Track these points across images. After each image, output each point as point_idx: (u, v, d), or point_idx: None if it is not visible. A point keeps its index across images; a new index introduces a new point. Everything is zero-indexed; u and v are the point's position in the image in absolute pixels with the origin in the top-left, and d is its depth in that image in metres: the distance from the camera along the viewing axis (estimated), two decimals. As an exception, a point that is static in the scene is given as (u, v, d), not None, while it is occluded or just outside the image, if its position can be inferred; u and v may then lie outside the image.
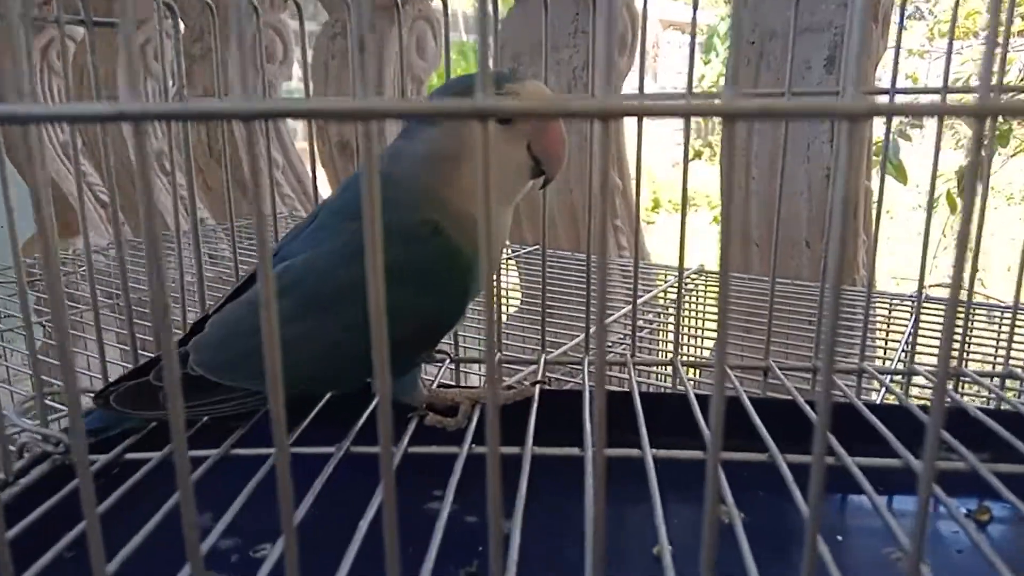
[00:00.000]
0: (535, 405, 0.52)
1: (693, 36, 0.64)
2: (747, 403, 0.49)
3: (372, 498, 0.37)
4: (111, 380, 0.53)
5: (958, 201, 3.51)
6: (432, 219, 0.48)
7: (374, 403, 0.53)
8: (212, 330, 0.50)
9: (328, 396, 0.55)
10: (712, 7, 5.53)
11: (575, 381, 0.76)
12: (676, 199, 5.99)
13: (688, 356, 1.08)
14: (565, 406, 0.51)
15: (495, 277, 0.59)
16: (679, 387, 0.61)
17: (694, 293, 1.20)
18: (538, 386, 0.55)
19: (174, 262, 0.66)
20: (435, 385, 0.60)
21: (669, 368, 0.62)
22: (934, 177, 0.69)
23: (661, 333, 1.20)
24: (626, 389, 0.54)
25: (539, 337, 0.66)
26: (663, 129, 7.08)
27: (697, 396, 0.52)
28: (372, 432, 0.52)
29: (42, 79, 1.79)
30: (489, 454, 0.25)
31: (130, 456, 0.48)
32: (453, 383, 0.66)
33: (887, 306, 1.13)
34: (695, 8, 0.61)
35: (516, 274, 1.41)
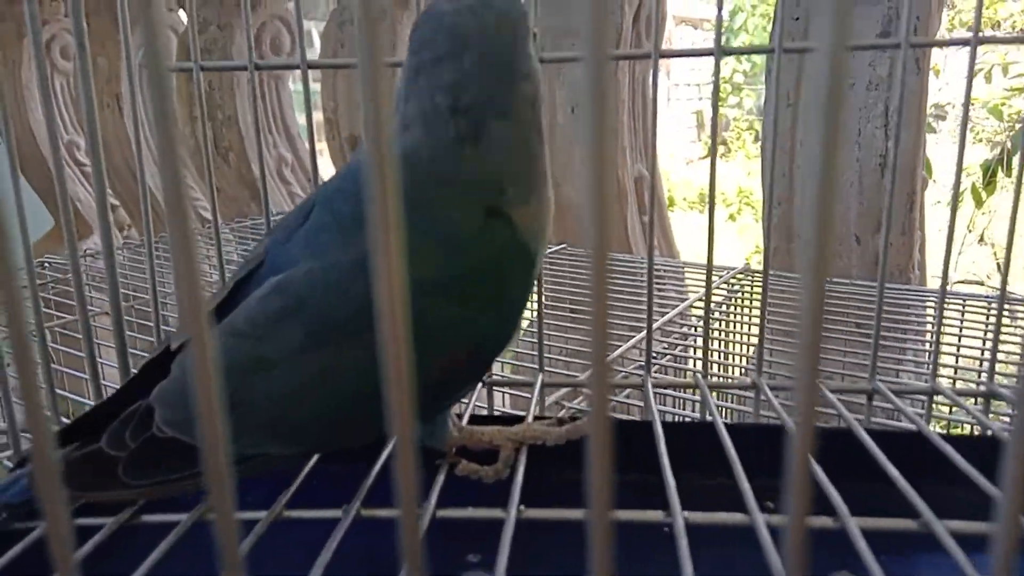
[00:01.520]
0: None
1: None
2: (863, 436, 0.39)
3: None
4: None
5: (983, 195, 3.40)
6: (489, 200, 0.36)
7: (388, 448, 0.44)
8: (180, 373, 0.36)
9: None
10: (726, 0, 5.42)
11: (631, 402, 0.66)
12: (691, 197, 5.89)
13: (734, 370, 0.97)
14: (632, 441, 0.41)
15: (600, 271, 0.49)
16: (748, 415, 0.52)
17: (740, 296, 1.10)
18: None
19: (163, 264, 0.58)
20: (467, 418, 0.48)
21: (750, 391, 0.51)
22: (959, 169, 0.59)
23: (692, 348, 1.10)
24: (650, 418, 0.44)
25: (565, 347, 0.56)
26: (677, 128, 6.98)
27: (762, 428, 0.42)
28: (388, 487, 0.41)
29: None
30: (594, 531, 0.17)
31: (81, 522, 0.37)
32: (484, 407, 0.55)
33: (958, 308, 1.03)
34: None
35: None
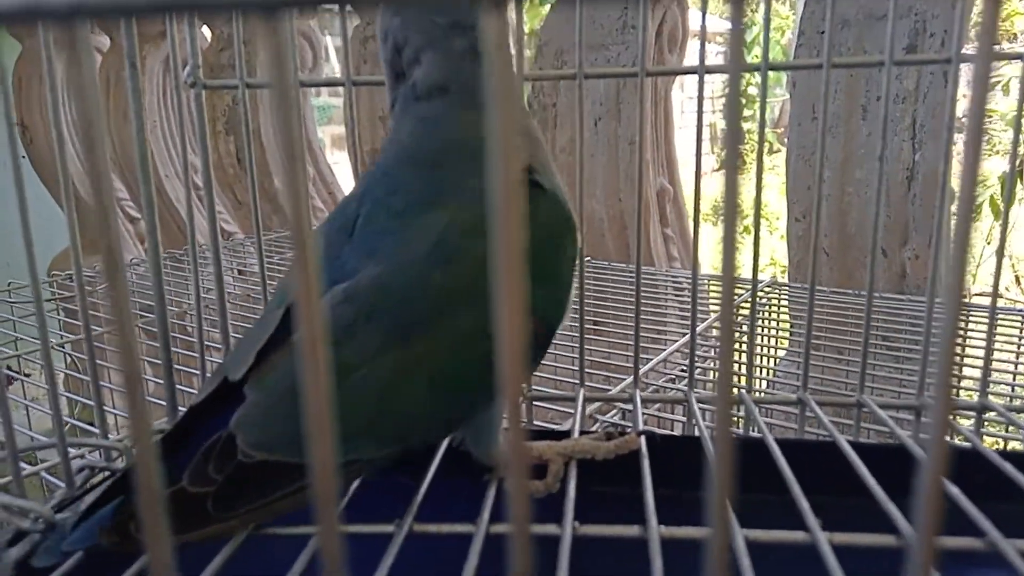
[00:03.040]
0: (646, 461, 0.40)
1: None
2: (918, 452, 0.39)
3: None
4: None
5: (1001, 207, 3.37)
6: (532, 171, 0.38)
7: (439, 455, 0.44)
8: (263, 396, 0.36)
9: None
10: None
11: (674, 418, 0.65)
12: (706, 209, 5.87)
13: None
14: (681, 457, 0.41)
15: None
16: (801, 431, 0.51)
17: (767, 309, 1.09)
18: (643, 436, 0.43)
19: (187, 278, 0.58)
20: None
21: (795, 407, 0.50)
22: (975, 178, 0.59)
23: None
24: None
25: (590, 359, 0.56)
26: (691, 141, 6.97)
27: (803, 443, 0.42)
28: (440, 498, 0.40)
29: (68, 89, 1.75)
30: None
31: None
32: (524, 422, 0.55)
33: (982, 321, 1.01)
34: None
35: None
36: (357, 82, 0.50)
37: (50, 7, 0.13)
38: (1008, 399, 0.92)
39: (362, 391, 0.35)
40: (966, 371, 0.89)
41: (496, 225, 0.14)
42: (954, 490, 0.36)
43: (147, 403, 0.15)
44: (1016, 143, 0.47)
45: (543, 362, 1.19)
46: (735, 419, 0.67)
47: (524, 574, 0.16)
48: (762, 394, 0.97)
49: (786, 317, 1.10)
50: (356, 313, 0.35)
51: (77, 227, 0.43)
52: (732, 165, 0.15)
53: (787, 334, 1.10)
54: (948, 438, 0.19)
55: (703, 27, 0.47)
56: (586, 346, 0.48)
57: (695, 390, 0.52)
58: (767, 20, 0.44)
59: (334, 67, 2.35)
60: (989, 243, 3.65)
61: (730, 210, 0.15)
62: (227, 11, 0.14)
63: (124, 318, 0.15)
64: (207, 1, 0.13)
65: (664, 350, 0.88)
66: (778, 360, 1.12)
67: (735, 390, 0.96)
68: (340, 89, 0.55)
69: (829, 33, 0.47)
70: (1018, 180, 3.34)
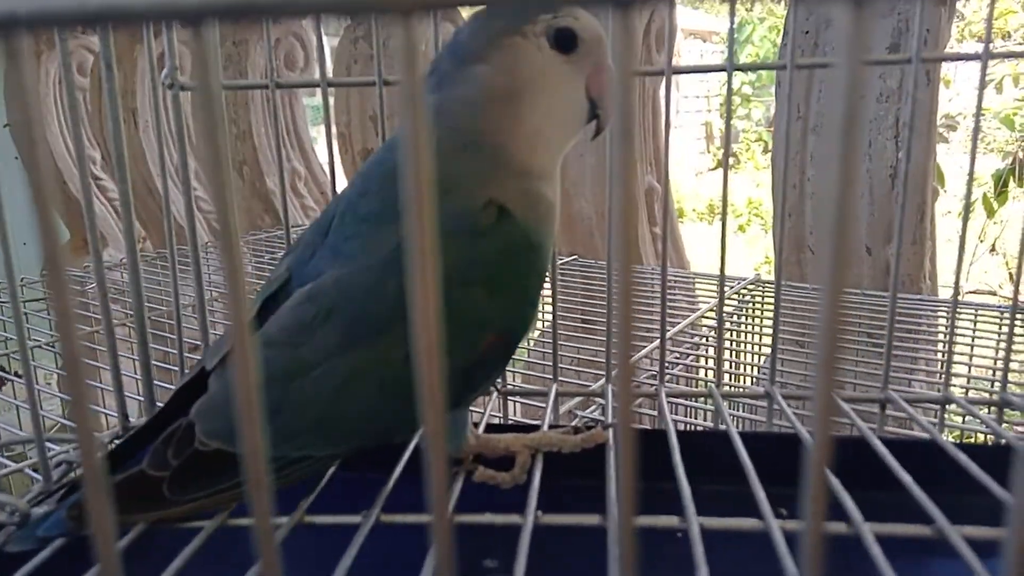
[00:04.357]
0: (611, 454, 0.41)
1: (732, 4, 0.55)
2: (877, 445, 0.40)
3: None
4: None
5: (994, 204, 3.38)
6: (495, 198, 0.38)
7: (407, 452, 0.45)
8: (221, 386, 0.38)
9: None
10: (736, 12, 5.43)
11: (643, 412, 0.66)
12: (700, 208, 5.89)
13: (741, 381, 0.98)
14: (646, 450, 0.41)
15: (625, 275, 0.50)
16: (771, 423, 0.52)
17: (750, 306, 1.10)
18: (610, 430, 0.44)
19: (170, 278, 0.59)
20: (483, 425, 0.49)
21: (763, 400, 0.51)
22: (971, 178, 0.60)
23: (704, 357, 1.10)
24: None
25: (577, 356, 0.57)
26: (685, 139, 6.99)
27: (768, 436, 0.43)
28: (407, 492, 0.40)
29: (58, 91, 1.75)
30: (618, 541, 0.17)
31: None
32: (499, 416, 0.56)
33: (970, 318, 1.03)
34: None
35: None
36: (332, 83, 0.51)
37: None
38: (988, 395, 0.93)
39: (316, 390, 0.36)
40: (955, 368, 0.90)
41: (411, 234, 0.15)
42: (907, 479, 0.36)
43: (86, 388, 0.16)
44: (974, 135, 0.48)
45: (532, 360, 1.20)
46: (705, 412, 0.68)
47: (444, 557, 0.17)
48: (744, 389, 0.99)
49: (771, 314, 1.11)
50: (315, 313, 0.36)
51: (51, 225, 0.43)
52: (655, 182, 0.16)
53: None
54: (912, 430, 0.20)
55: (670, 28, 0.48)
56: (577, 344, 0.49)
57: (667, 384, 0.53)
58: (731, 25, 0.45)
59: (329, 67, 2.36)
60: (982, 241, 3.67)
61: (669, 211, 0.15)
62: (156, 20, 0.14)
63: (64, 304, 0.16)
64: (139, 12, 0.14)
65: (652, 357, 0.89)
66: (763, 356, 1.13)
67: (702, 384, 0.97)
68: (335, 88, 0.56)
69: (793, 35, 0.48)
70: (1011, 178, 3.32)
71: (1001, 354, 0.89)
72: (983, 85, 0.55)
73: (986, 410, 0.57)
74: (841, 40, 0.14)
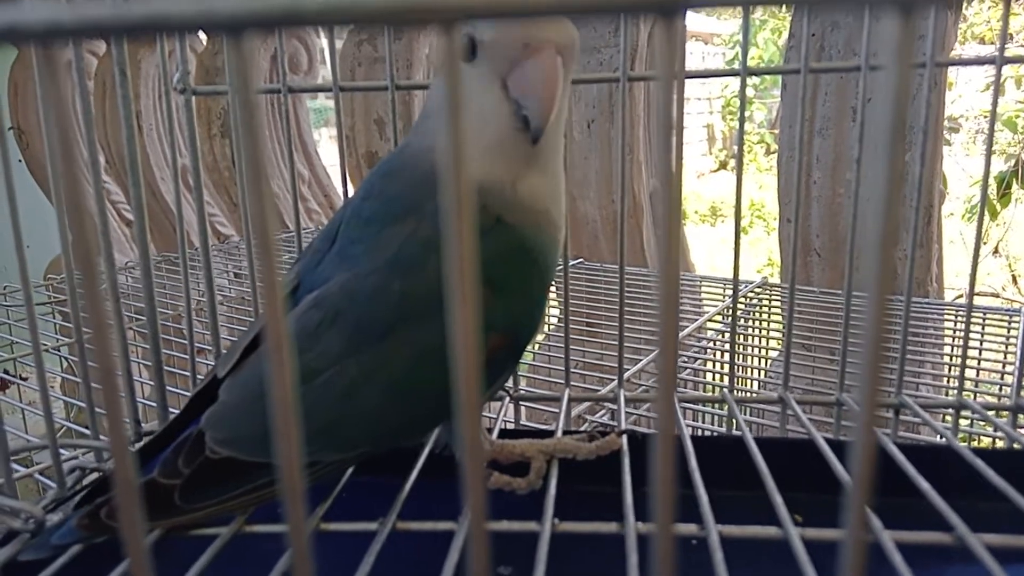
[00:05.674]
0: (627, 460, 0.41)
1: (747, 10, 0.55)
2: (893, 450, 0.40)
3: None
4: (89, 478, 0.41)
5: (997, 207, 3.38)
6: (488, 206, 0.38)
7: (422, 457, 0.44)
8: (231, 395, 0.38)
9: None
10: (735, 17, 5.44)
11: (653, 416, 0.65)
12: (702, 210, 5.89)
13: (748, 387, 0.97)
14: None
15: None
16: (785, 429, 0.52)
17: (757, 310, 1.10)
18: (624, 436, 0.44)
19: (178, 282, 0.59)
20: (496, 432, 0.49)
21: (776, 405, 0.51)
22: (986, 181, 0.60)
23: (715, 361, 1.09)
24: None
25: (583, 360, 0.57)
26: (687, 141, 6.99)
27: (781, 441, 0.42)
28: (424, 498, 0.41)
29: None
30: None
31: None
32: (511, 423, 0.56)
33: (978, 321, 1.02)
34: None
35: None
36: (344, 88, 0.51)
37: (28, 28, 0.14)
38: (997, 398, 0.93)
39: (324, 395, 0.36)
40: (955, 371, 0.89)
41: (448, 240, 0.15)
42: (925, 485, 0.36)
43: (120, 398, 0.16)
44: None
45: (537, 364, 1.20)
46: (720, 418, 0.67)
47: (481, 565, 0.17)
48: (753, 394, 0.98)
49: (778, 318, 1.11)
50: (321, 319, 0.36)
51: (88, 237, 0.43)
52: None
53: (779, 334, 1.11)
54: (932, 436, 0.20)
55: (681, 33, 0.48)
56: (582, 348, 0.49)
57: (680, 390, 0.53)
58: (745, 31, 0.45)
59: (328, 69, 2.36)
60: (985, 243, 3.67)
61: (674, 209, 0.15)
62: (192, 31, 0.14)
63: (99, 316, 0.16)
64: (178, 23, 0.14)
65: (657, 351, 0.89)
66: (770, 360, 1.12)
67: (713, 388, 0.96)
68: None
69: (807, 41, 0.48)
70: (1014, 180, 3.31)
71: (1010, 358, 0.89)
72: (998, 88, 0.55)
73: (999, 415, 0.57)
74: (887, 46, 0.14)
